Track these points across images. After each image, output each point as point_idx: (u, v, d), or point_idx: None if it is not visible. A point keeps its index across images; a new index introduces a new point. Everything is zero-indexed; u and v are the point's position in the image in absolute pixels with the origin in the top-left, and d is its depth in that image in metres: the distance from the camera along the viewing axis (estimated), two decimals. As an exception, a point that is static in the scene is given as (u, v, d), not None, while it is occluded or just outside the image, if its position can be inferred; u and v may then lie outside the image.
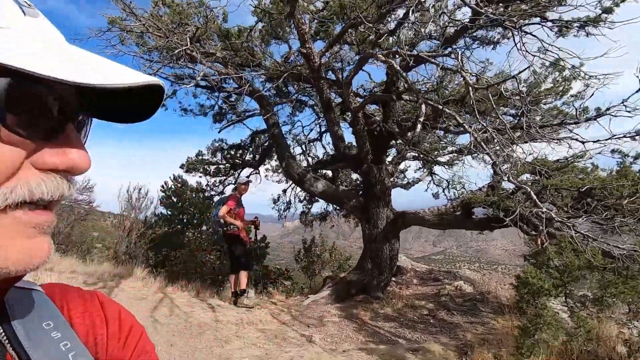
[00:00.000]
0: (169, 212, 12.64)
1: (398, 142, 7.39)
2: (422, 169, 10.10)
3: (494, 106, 3.72)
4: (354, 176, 10.62)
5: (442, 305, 6.39)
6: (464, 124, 3.40)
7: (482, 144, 3.37)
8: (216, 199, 7.26)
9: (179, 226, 12.33)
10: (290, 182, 9.76)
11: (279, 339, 4.60)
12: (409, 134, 4.94)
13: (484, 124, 3.23)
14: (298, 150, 8.80)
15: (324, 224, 11.24)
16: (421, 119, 3.20)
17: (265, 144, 8.35)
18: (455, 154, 7.97)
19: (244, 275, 5.84)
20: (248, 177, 8.83)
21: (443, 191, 9.13)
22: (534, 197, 3.01)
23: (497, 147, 3.50)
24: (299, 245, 11.24)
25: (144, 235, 9.74)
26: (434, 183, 9.21)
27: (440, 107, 3.47)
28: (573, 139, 3.72)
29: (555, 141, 4.07)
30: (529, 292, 3.20)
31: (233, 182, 6.16)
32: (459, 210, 5.79)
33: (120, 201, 11.14)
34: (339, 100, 7.20)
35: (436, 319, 5.76)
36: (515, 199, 4.48)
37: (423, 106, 3.27)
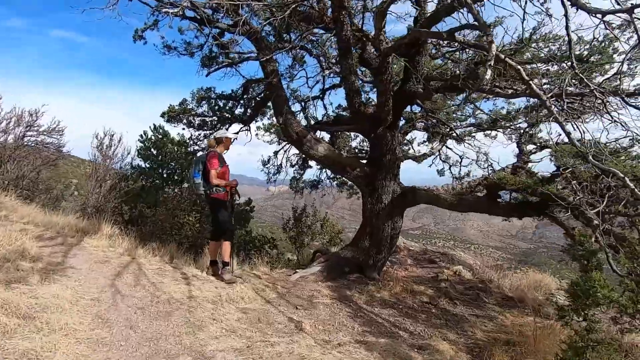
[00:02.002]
0: (147, 165, 11.63)
1: (412, 107, 6.51)
2: (426, 142, 9.31)
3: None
4: (353, 143, 9.77)
5: (442, 292, 5.83)
6: (530, 82, 2.55)
7: (556, 110, 2.53)
8: (200, 154, 6.27)
9: (157, 181, 11.37)
10: (284, 143, 8.84)
11: (264, 324, 3.91)
12: (452, 92, 4.06)
13: (583, 76, 2.36)
14: (296, 107, 7.80)
15: (315, 193, 10.47)
16: (491, 63, 2.32)
17: (260, 97, 7.30)
18: (474, 128, 7.16)
19: (227, 246, 5.06)
20: (236, 132, 7.85)
21: (449, 168, 8.41)
22: (631, 184, 2.26)
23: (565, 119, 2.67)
24: (283, 210, 10.55)
25: (117, 187, 8.75)
26: (440, 159, 8.45)
27: (502, 56, 2.60)
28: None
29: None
30: (589, 304, 2.52)
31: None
32: (479, 190, 5.07)
33: (91, 148, 10.03)
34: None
35: (438, 309, 5.20)
36: (560, 185, 3.74)
37: (493, 47, 2.38)
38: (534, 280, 6.73)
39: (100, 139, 7.73)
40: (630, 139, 3.67)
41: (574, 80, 4.15)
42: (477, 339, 4.23)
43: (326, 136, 9.16)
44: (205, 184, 4.96)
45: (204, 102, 7.64)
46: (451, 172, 8.38)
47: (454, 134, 7.09)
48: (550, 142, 5.55)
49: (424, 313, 4.99)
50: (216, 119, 8.35)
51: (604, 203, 2.63)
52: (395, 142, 5.36)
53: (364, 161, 6.14)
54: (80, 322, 3.17)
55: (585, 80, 2.42)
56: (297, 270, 6.33)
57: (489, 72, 2.32)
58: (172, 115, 8.45)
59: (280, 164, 9.63)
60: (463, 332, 4.44)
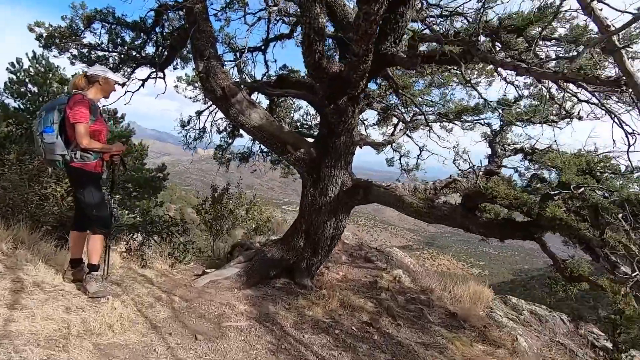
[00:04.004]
0: (20, 106, 8.77)
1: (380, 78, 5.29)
2: (375, 126, 8.28)
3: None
4: (296, 115, 8.32)
5: (384, 307, 4.91)
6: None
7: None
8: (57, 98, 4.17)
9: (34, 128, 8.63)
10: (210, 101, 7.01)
11: (132, 382, 2.44)
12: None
13: None
14: (229, 57, 6.04)
15: (245, 167, 8.84)
16: None
17: (178, 32, 5.37)
18: (439, 116, 6.23)
19: (97, 241, 3.37)
20: (143, 80, 5.87)
21: (399, 159, 7.50)
22: None
23: None
24: (209, 173, 8.78)
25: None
26: (391, 147, 7.48)
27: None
28: None
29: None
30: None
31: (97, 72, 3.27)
32: (445, 193, 4.09)
33: None
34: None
35: (380, 333, 4.23)
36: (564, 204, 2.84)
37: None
38: (473, 292, 6.24)
39: None
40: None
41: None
42: (431, 387, 3.32)
43: (264, 102, 7.60)
44: (66, 145, 3.15)
45: (96, 25, 5.45)
46: (400, 163, 7.50)
47: (422, 120, 6.08)
48: (526, 146, 4.80)
49: (364, 341, 3.96)
50: (118, 58, 6.20)
51: None
52: (355, 120, 4.10)
53: (310, 140, 4.78)
54: None
55: None
56: (208, 271, 4.87)
57: None
58: (51, 40, 6.07)
59: (204, 128, 7.80)
60: (413, 375, 3.51)
